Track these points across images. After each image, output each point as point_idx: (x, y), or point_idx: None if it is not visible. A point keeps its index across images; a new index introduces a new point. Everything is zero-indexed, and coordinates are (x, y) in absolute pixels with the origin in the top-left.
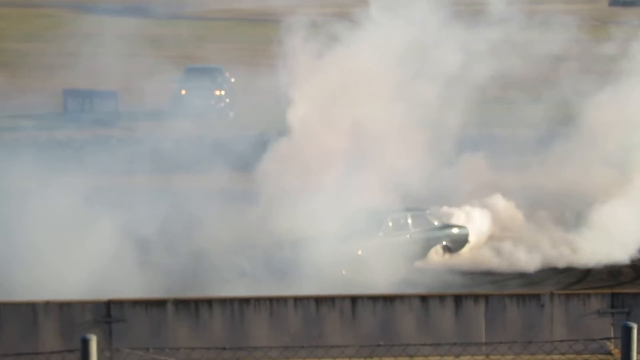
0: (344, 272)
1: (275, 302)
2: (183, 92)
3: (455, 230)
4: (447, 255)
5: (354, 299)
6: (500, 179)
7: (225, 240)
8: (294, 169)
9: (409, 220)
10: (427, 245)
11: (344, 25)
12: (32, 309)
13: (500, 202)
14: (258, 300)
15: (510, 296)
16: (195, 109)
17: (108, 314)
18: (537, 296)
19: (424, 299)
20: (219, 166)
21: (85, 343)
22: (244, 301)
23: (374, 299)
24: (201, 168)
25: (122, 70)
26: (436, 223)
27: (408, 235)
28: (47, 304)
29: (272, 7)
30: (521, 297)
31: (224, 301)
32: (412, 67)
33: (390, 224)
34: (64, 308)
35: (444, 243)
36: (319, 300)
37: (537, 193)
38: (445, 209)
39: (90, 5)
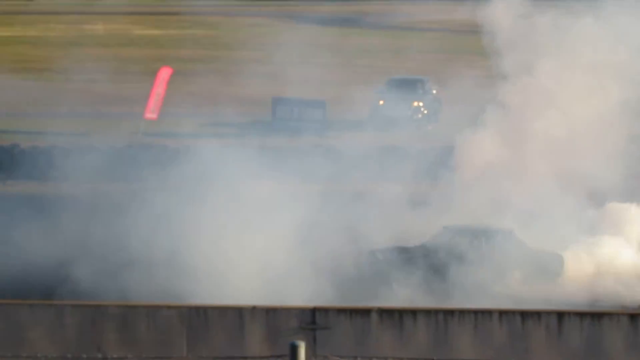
0: None
1: (479, 315)
2: (381, 102)
3: None
4: None
5: (560, 315)
6: None
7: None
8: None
9: None
10: None
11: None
12: (238, 313)
13: None
14: (462, 312)
15: None
16: (391, 120)
17: (313, 320)
18: None
19: (632, 317)
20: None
21: (294, 349)
22: (449, 313)
23: (580, 315)
24: (385, 177)
25: (330, 80)
26: None
27: None
28: (254, 309)
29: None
30: None
31: (429, 312)
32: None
33: None
34: (270, 313)
35: None
36: (525, 315)
37: None
38: None
39: (301, 15)
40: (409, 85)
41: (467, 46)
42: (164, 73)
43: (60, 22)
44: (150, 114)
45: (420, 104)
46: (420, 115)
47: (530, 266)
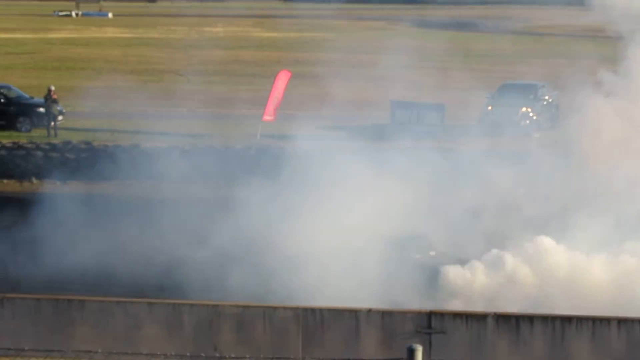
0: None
1: (597, 323)
2: (489, 108)
3: None
4: None
5: None
6: None
7: None
8: None
9: None
10: None
11: None
12: (354, 315)
13: None
14: (580, 319)
15: None
16: (498, 126)
17: (429, 325)
18: None
19: None
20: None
21: (411, 352)
22: (566, 320)
23: None
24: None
25: (449, 84)
26: None
27: None
28: (370, 312)
29: (603, 24)
30: None
31: (546, 318)
32: None
33: None
34: (385, 316)
35: None
36: None
37: None
38: None
39: (419, 19)
40: (520, 90)
41: (589, 51)
42: (283, 76)
43: (181, 24)
44: (269, 116)
45: (529, 109)
46: (528, 122)
47: None
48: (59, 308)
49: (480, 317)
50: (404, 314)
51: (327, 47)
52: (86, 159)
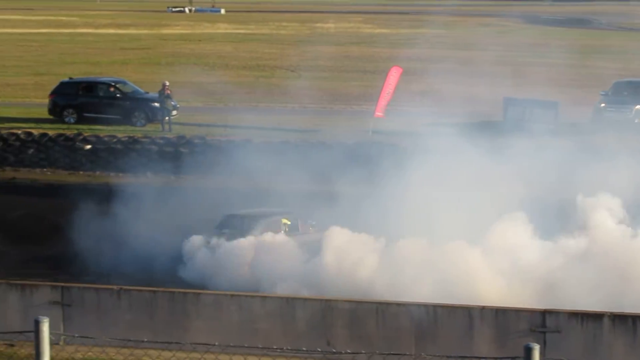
0: None
1: None
2: (602, 105)
3: None
4: None
5: None
6: None
7: None
8: None
9: None
10: None
11: None
12: (468, 313)
13: None
14: None
15: None
16: (612, 123)
17: (543, 323)
18: None
19: None
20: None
21: (528, 351)
22: None
23: None
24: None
25: (562, 81)
26: None
27: None
28: (483, 310)
29: None
30: None
31: None
32: None
33: None
34: (499, 314)
35: None
36: None
37: None
38: None
39: (532, 15)
40: (634, 88)
41: None
42: (395, 72)
43: (293, 20)
44: (380, 112)
45: None
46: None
47: None
48: (175, 300)
49: (596, 317)
50: (517, 312)
51: (438, 44)
52: (200, 154)
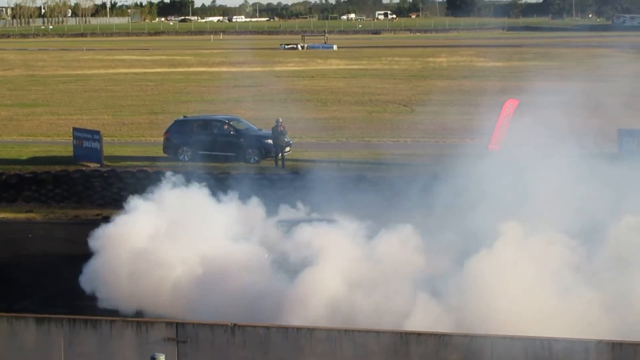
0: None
1: None
2: None
3: None
4: None
5: None
6: None
7: None
8: None
9: None
10: None
11: None
12: (584, 347)
13: None
14: None
15: None
16: None
17: None
18: None
19: None
20: None
21: None
22: None
23: None
24: None
25: None
26: None
27: None
28: (599, 343)
29: None
30: None
31: None
32: None
33: None
34: (615, 348)
35: None
36: None
37: None
38: None
39: None
40: None
41: None
42: (510, 105)
43: (405, 55)
44: (495, 145)
45: None
46: None
47: None
48: (289, 337)
49: None
50: (635, 345)
51: (551, 75)
52: (314, 189)
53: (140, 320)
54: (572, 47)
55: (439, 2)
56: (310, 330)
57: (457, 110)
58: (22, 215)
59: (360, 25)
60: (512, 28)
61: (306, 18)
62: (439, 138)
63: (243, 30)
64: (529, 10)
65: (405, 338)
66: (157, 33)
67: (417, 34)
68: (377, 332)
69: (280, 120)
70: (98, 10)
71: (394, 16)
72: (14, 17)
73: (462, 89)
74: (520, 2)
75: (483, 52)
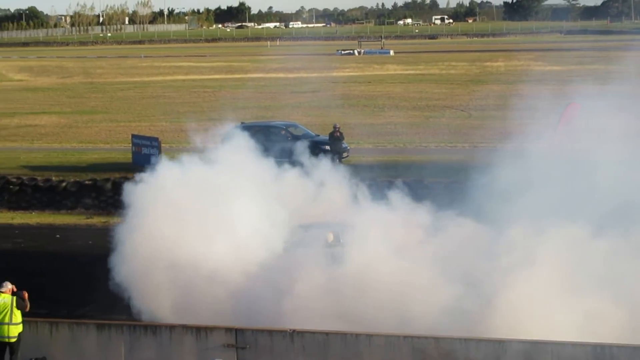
0: None
1: None
2: None
3: None
4: None
5: None
6: None
7: None
8: None
9: None
10: None
11: None
12: None
13: None
14: None
15: None
16: None
17: None
18: None
19: None
20: None
21: None
22: None
23: None
24: None
25: None
26: None
27: None
28: None
29: None
30: None
31: None
32: None
33: None
34: None
35: None
36: None
37: None
38: None
39: None
40: None
41: None
42: (572, 109)
43: (462, 60)
44: (555, 146)
45: None
46: None
47: None
48: (347, 342)
49: None
50: None
51: (610, 79)
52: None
53: (199, 326)
54: (632, 50)
55: (496, 7)
56: (369, 336)
57: (515, 115)
58: (82, 222)
59: (416, 30)
60: (570, 32)
61: (363, 23)
62: (497, 143)
63: (300, 36)
64: (586, 13)
65: (465, 344)
66: (214, 40)
67: (474, 38)
68: (436, 338)
69: (338, 126)
70: (155, 18)
71: (451, 21)
72: (72, 25)
73: (519, 93)
74: (578, 5)
75: (541, 56)
